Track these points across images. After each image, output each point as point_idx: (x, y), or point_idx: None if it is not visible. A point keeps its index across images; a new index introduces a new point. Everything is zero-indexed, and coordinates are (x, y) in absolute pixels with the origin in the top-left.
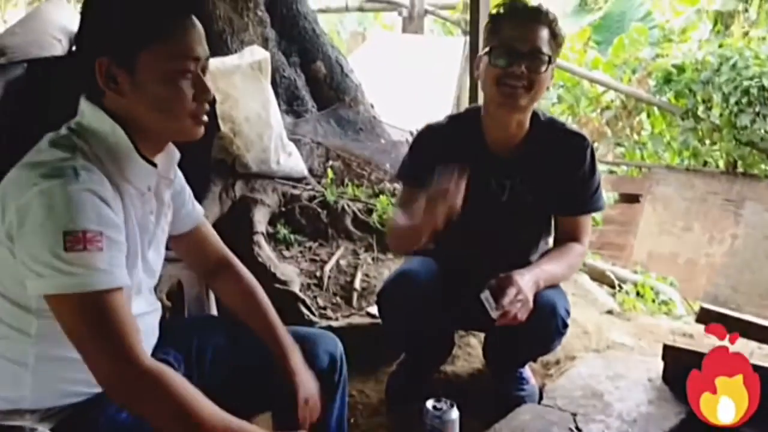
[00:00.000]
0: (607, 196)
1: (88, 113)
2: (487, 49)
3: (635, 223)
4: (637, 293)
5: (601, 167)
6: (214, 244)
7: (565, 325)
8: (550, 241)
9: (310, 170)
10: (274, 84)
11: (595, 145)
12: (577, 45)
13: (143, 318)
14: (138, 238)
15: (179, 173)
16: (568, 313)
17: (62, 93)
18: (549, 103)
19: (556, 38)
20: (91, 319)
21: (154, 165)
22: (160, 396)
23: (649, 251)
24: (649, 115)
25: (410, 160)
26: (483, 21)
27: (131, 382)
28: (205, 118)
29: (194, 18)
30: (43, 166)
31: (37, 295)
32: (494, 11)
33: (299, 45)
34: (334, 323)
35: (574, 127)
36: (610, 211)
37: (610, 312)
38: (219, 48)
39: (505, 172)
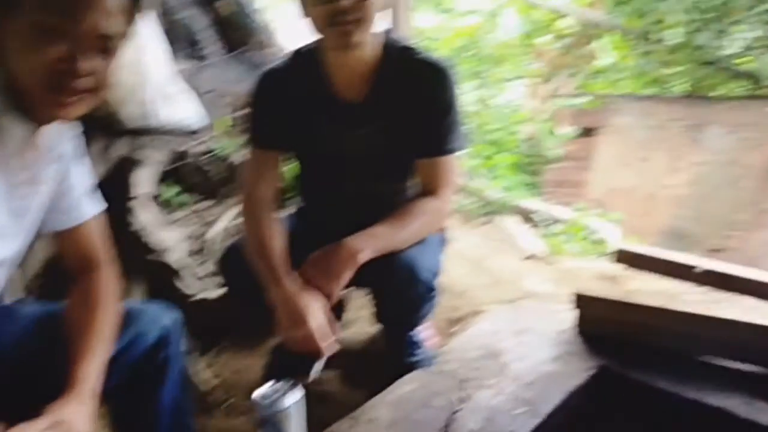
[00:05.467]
0: (567, 130)
1: None
2: None
3: (594, 157)
4: (571, 232)
5: (560, 101)
6: (90, 245)
7: (431, 289)
8: None
9: (215, 122)
10: (170, 27)
11: (554, 77)
12: None
13: None
14: None
15: (77, 163)
16: (434, 274)
17: None
18: (503, 35)
19: None
20: None
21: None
22: None
23: (608, 186)
24: (606, 41)
25: (254, 119)
26: None
27: None
28: (77, 96)
29: None
30: None
31: None
32: None
33: None
34: (211, 294)
35: (435, 55)
36: (568, 147)
37: (531, 257)
38: None
39: (358, 120)
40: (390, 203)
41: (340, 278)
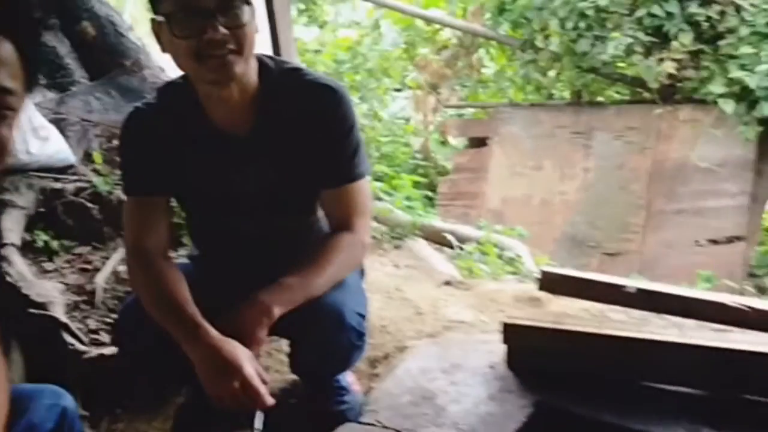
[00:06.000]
0: (456, 141)
1: None
2: (159, 14)
3: (486, 168)
4: (481, 252)
5: (448, 112)
6: None
7: (361, 335)
8: None
9: (87, 155)
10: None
11: (439, 89)
12: None
13: None
14: None
15: None
16: (362, 317)
17: None
18: (385, 47)
19: None
20: None
21: None
22: None
23: (502, 196)
24: (488, 51)
25: (127, 166)
26: None
27: None
28: None
29: None
30: None
31: None
32: None
33: (57, 4)
34: (107, 350)
35: (323, 76)
36: (459, 159)
37: (448, 283)
38: None
39: (244, 156)
40: (295, 241)
41: (255, 339)
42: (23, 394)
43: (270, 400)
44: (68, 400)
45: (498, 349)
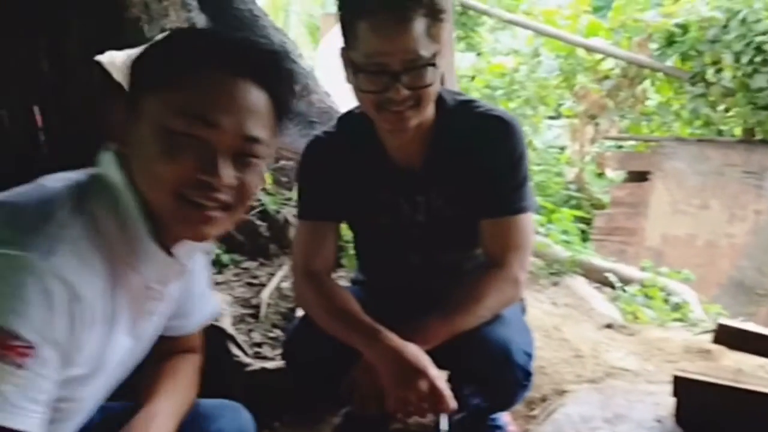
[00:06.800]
0: (613, 174)
1: (105, 163)
2: (349, 57)
3: (646, 203)
4: (646, 295)
5: (606, 143)
6: (190, 340)
7: (528, 375)
8: None
9: None
10: None
11: (597, 119)
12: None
13: None
14: (116, 351)
15: (203, 268)
16: (529, 356)
17: None
18: (543, 75)
19: (435, 18)
20: None
21: (170, 254)
22: None
23: (663, 234)
24: (653, 83)
25: (304, 190)
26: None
27: None
28: (214, 213)
29: (249, 87)
30: (18, 219)
31: None
32: None
33: (235, 30)
34: (269, 364)
35: (496, 108)
36: (617, 192)
37: (609, 326)
38: (134, 38)
39: (415, 187)
40: (459, 274)
41: None
42: (209, 407)
43: (455, 404)
44: (247, 416)
45: (666, 402)
